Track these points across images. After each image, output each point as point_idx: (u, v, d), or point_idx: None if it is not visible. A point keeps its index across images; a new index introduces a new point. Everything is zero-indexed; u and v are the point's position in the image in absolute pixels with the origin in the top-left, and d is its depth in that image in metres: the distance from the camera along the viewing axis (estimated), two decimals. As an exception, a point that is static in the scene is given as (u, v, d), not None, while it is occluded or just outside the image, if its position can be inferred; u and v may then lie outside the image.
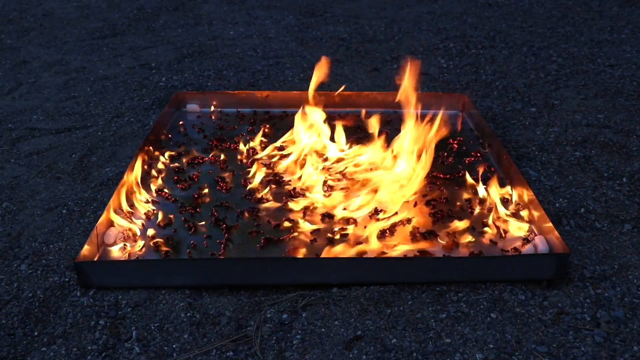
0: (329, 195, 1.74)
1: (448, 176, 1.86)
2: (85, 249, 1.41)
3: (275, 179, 1.84)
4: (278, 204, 1.71)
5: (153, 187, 1.79)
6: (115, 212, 1.60)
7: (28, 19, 3.82)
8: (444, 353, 1.21)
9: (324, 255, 1.47)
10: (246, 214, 1.67)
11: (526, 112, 2.37)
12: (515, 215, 1.65)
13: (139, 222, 1.62)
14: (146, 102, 2.50)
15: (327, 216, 1.65)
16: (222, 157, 1.99)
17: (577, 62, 2.91)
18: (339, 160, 1.94)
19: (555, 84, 2.65)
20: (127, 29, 3.60)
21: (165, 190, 1.79)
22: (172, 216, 1.66)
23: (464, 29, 3.51)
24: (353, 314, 1.31)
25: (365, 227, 1.59)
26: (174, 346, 1.24)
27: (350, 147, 1.98)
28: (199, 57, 3.08)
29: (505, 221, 1.61)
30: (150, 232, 1.57)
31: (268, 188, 1.79)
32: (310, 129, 1.97)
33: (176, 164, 1.95)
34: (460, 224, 1.57)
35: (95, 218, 1.66)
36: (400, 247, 1.51)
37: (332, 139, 2.00)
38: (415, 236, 1.56)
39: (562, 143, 2.10)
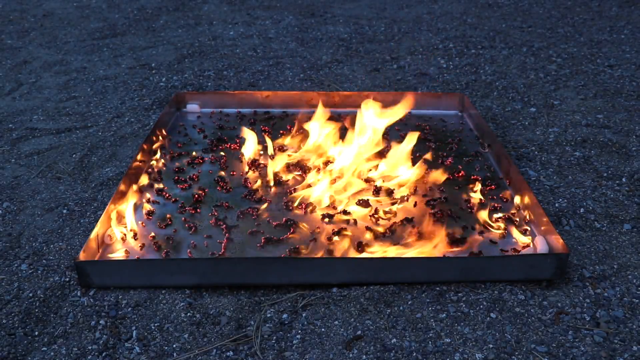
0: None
1: (448, 176, 1.86)
2: (86, 249, 1.41)
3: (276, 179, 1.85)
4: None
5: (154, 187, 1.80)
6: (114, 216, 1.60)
7: (28, 19, 3.83)
8: (443, 353, 1.21)
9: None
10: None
11: (526, 112, 2.38)
12: (516, 215, 1.66)
13: (139, 222, 1.62)
14: (146, 102, 2.51)
15: (328, 216, 1.66)
16: (223, 157, 1.99)
17: (576, 62, 2.91)
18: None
19: (554, 84, 2.65)
20: (127, 29, 3.61)
21: (166, 190, 1.79)
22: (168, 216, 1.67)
23: (464, 29, 3.52)
24: (353, 314, 1.32)
25: (366, 227, 1.60)
26: (174, 346, 1.24)
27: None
28: (199, 58, 3.09)
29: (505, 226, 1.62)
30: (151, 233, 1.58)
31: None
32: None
33: (175, 163, 1.96)
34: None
35: (95, 218, 1.67)
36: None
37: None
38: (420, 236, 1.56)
39: (561, 143, 2.10)
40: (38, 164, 2.00)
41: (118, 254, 1.50)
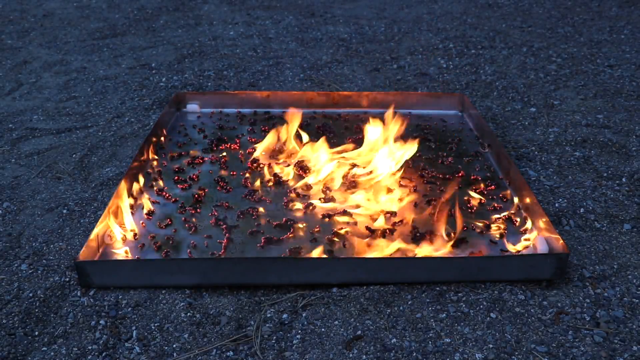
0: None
1: (448, 176, 1.87)
2: (86, 249, 1.41)
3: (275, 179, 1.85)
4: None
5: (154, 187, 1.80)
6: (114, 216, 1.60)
7: (29, 19, 3.83)
8: (443, 353, 1.21)
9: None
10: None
11: (526, 113, 2.38)
12: (516, 216, 1.66)
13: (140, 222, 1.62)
14: (146, 103, 2.51)
15: (328, 217, 1.66)
16: (223, 157, 1.99)
17: (576, 62, 2.91)
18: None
19: (554, 84, 2.65)
20: (127, 29, 3.61)
21: (165, 190, 1.79)
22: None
23: (464, 29, 3.52)
24: (353, 314, 1.32)
25: (366, 227, 1.60)
26: (174, 346, 1.24)
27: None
28: (199, 58, 3.09)
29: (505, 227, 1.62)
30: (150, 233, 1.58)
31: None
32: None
33: (175, 163, 1.96)
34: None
35: (95, 218, 1.67)
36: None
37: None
38: (415, 236, 1.56)
39: (561, 143, 2.10)
40: (38, 164, 2.00)
41: (119, 252, 1.50)
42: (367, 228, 1.59)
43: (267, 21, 3.77)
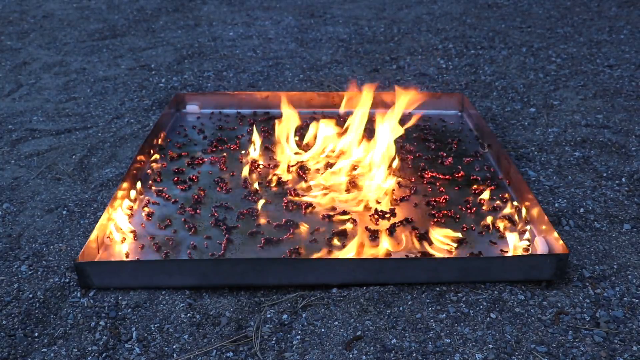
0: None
1: (447, 177, 1.87)
2: (85, 250, 1.41)
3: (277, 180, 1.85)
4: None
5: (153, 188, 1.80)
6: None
7: (28, 20, 3.83)
8: (443, 353, 1.21)
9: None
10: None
11: (525, 113, 2.38)
12: (515, 216, 1.66)
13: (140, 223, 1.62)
14: (146, 103, 2.51)
15: (328, 217, 1.66)
16: (223, 157, 1.99)
17: (576, 62, 2.92)
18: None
19: (554, 85, 2.65)
20: (127, 30, 3.61)
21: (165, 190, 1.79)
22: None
23: (463, 30, 3.52)
24: (353, 314, 1.32)
25: (366, 227, 1.60)
26: (174, 347, 1.24)
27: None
28: (199, 58, 3.09)
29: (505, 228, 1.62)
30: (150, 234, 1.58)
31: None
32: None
33: (175, 164, 1.96)
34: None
35: (95, 219, 1.67)
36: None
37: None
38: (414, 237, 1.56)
39: (561, 143, 2.10)
40: (38, 165, 2.00)
41: (118, 253, 1.50)
42: (367, 228, 1.60)
43: (266, 22, 3.77)
